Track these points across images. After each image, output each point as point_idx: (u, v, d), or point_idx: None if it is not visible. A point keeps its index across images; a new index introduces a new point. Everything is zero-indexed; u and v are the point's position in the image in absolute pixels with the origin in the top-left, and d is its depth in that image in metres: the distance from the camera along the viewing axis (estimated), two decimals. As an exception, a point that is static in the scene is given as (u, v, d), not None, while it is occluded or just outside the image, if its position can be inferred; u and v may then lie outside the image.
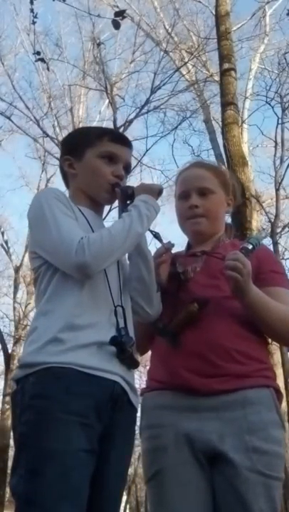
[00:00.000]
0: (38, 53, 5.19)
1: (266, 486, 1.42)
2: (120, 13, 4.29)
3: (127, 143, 1.66)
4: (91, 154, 1.60)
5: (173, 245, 1.64)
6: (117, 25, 4.23)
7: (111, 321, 1.45)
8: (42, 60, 5.41)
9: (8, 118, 11.66)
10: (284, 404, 10.26)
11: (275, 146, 9.69)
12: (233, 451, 1.42)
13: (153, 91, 10.71)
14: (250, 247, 1.52)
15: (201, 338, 1.51)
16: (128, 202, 1.55)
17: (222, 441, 1.44)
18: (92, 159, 1.60)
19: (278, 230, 9.75)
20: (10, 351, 13.85)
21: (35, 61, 5.29)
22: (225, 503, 1.43)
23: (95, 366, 1.35)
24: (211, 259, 1.65)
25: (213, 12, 8.26)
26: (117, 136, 1.67)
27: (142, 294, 1.58)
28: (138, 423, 1.64)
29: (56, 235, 1.41)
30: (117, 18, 4.23)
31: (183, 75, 12.15)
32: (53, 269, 1.46)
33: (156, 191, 1.57)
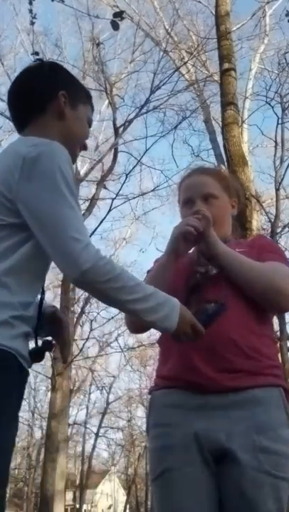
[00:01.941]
0: (37, 54, 5.17)
1: (274, 486, 1.41)
2: (119, 14, 4.24)
3: None
4: (83, 111, 1.55)
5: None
6: (115, 27, 4.20)
7: (35, 310, 1.37)
8: (41, 61, 5.37)
9: (8, 118, 11.67)
10: (284, 404, 10.26)
11: (275, 146, 9.69)
12: (241, 450, 1.42)
13: (152, 91, 10.74)
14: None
15: (214, 333, 1.50)
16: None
17: (230, 440, 1.44)
18: (84, 116, 1.55)
19: (278, 230, 9.75)
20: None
21: (34, 62, 5.27)
22: (231, 502, 1.43)
23: (26, 358, 1.30)
24: None
25: (213, 12, 8.25)
26: (93, 110, 1.64)
27: None
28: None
29: (71, 219, 1.25)
30: (116, 19, 4.20)
31: (182, 75, 12.15)
32: (26, 235, 1.29)
33: (178, 332, 1.38)
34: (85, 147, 1.58)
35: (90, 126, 1.59)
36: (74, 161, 1.53)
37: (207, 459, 1.46)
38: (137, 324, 1.67)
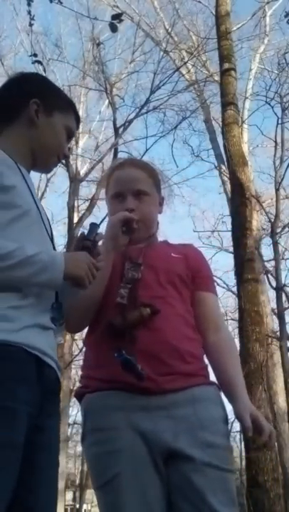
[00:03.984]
0: (35, 55, 5.14)
1: (223, 479, 1.44)
2: (117, 17, 4.24)
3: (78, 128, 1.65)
4: (60, 119, 1.52)
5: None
6: (114, 29, 4.19)
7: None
8: (39, 62, 5.38)
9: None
10: (284, 404, 10.23)
11: (275, 146, 9.71)
12: (189, 447, 1.44)
13: (153, 91, 10.73)
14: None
15: (152, 338, 1.52)
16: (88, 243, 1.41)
17: (177, 439, 1.45)
18: (60, 125, 1.52)
19: (278, 230, 9.77)
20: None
21: (33, 63, 5.26)
22: (183, 498, 1.42)
23: (43, 350, 1.27)
24: (150, 257, 1.65)
25: (213, 12, 8.26)
26: (79, 118, 1.61)
27: None
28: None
29: None
30: (115, 21, 4.20)
31: (183, 75, 12.16)
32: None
33: (73, 277, 1.33)
34: (65, 156, 1.56)
35: (70, 134, 1.56)
36: (46, 172, 1.59)
37: (157, 461, 1.45)
38: (81, 321, 1.64)
